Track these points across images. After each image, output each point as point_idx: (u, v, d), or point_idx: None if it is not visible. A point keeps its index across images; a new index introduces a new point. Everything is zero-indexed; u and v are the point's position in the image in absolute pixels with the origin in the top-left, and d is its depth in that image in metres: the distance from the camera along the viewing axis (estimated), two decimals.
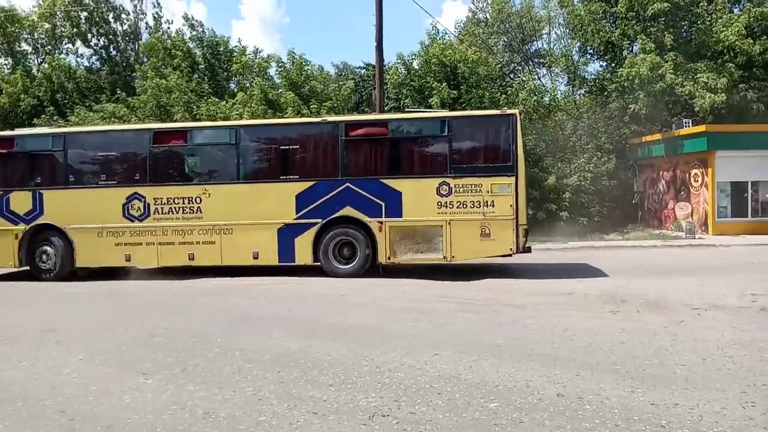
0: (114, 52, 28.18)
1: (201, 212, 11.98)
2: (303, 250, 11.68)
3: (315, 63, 23.92)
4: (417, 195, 11.44)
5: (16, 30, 27.89)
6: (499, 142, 11.42)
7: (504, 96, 21.93)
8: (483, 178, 11.22)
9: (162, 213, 12.05)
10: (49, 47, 28.36)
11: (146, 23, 28.74)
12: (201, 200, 11.97)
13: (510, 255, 11.35)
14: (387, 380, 5.14)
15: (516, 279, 11.31)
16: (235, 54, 24.64)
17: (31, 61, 28.83)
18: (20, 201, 12.28)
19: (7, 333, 7.33)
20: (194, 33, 25.03)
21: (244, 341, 6.58)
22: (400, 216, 11.45)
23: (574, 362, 5.59)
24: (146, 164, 12.24)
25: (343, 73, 32.13)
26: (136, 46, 27.94)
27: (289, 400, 4.72)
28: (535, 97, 22.88)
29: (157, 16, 28.48)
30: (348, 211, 11.57)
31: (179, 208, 12.03)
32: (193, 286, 10.95)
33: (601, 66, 25.94)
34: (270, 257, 11.78)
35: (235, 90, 23.80)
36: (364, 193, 11.54)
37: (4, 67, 28.38)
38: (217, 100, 21.24)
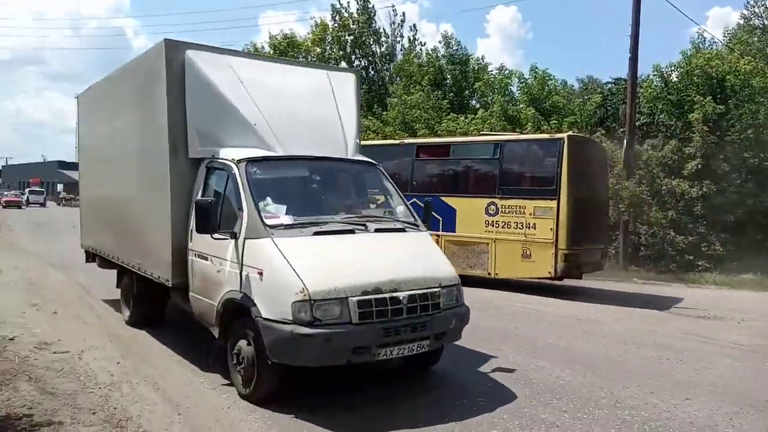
0: (372, 72, 30.90)
1: None
2: None
3: (558, 78, 23.06)
4: (469, 213, 12.00)
5: (295, 54, 32.30)
6: (546, 165, 11.45)
7: None
8: (527, 200, 11.33)
9: None
10: None
11: (402, 45, 31.06)
12: None
13: (551, 279, 11.18)
14: (628, 417, 4.75)
15: None
16: (478, 71, 25.20)
17: None
18: None
19: None
20: (448, 51, 26.25)
21: (472, 351, 6.65)
22: (454, 231, 12.14)
23: None
24: None
25: (589, 88, 30.64)
26: (391, 67, 30.23)
27: (521, 419, 4.64)
28: None
29: (411, 39, 30.59)
30: None
31: None
32: None
33: None
34: None
35: (477, 106, 24.28)
36: None
37: None
38: (455, 116, 21.94)
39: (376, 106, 25.95)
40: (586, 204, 11.34)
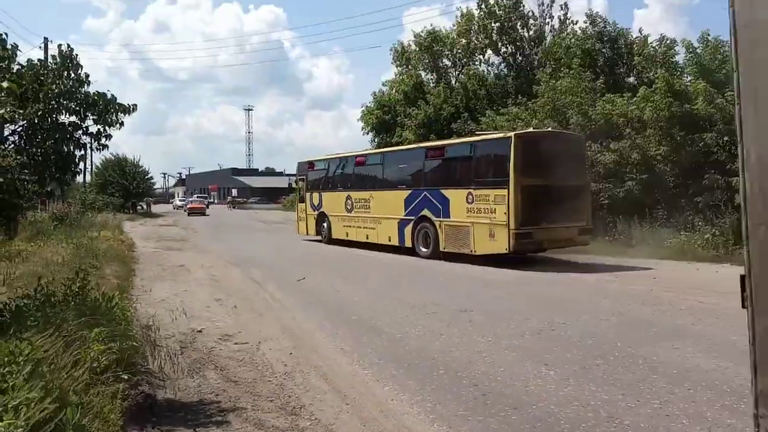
0: (519, 58, 30.04)
1: (370, 208, 17.66)
2: (408, 237, 15.99)
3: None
4: (458, 202, 14.42)
5: (440, 48, 32.42)
6: (501, 160, 13.48)
7: None
8: (490, 189, 13.59)
9: (356, 208, 18.31)
10: (465, 60, 32.08)
11: (551, 26, 29.78)
12: (370, 201, 17.67)
13: (506, 254, 13.24)
14: None
15: None
16: (636, 45, 23.43)
17: (450, 74, 33.13)
18: (314, 198, 20.79)
19: (428, 309, 8.57)
20: (595, 29, 24.77)
21: (646, 349, 6.18)
22: (450, 217, 14.69)
23: None
24: (352, 177, 18.98)
25: None
26: (540, 50, 29.15)
27: (702, 423, 4.23)
28: None
29: (562, 18, 29.21)
30: (425, 212, 15.46)
31: (362, 205, 18.04)
32: (562, 281, 10.85)
33: None
34: (395, 240, 16.50)
35: (635, 83, 22.57)
36: (432, 199, 15.25)
37: (430, 81, 33.36)
38: (611, 96, 20.53)
39: (521, 96, 25.02)
40: (542, 190, 13.24)
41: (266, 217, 43.18)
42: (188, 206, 49.86)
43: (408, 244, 15.98)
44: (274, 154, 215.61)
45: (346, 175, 19.41)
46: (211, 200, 76.57)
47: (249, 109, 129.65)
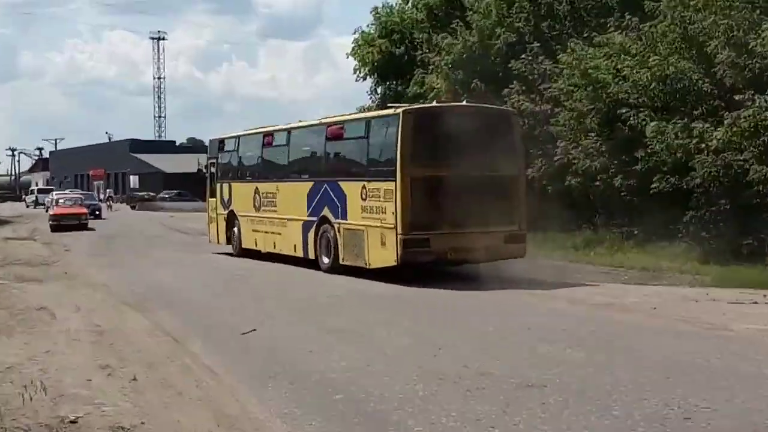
0: None
1: (276, 206, 21.36)
2: (311, 246, 19.32)
3: None
4: (353, 198, 17.50)
5: None
6: (389, 144, 16.33)
7: None
8: (381, 182, 16.32)
9: (264, 205, 21.97)
10: None
11: None
12: (277, 195, 21.39)
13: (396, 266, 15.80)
14: None
15: None
16: None
17: None
18: (225, 192, 24.94)
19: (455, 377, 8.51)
20: None
21: None
22: (347, 218, 17.71)
23: None
24: (260, 163, 23.18)
25: None
26: None
27: None
28: None
29: None
30: (326, 211, 18.55)
31: (269, 201, 21.73)
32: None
33: None
34: (299, 250, 20.04)
35: None
36: (332, 195, 18.35)
37: None
38: None
39: (627, 15, 24.68)
40: (446, 183, 15.80)
41: (186, 223, 43.25)
42: (53, 211, 44.39)
43: (311, 255, 19.19)
44: (202, 118, 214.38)
45: (255, 160, 23.26)
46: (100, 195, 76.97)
47: (159, 38, 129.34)
